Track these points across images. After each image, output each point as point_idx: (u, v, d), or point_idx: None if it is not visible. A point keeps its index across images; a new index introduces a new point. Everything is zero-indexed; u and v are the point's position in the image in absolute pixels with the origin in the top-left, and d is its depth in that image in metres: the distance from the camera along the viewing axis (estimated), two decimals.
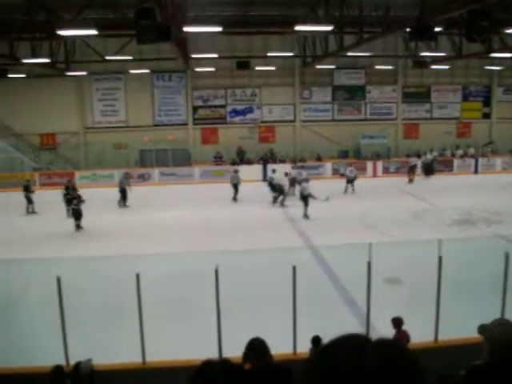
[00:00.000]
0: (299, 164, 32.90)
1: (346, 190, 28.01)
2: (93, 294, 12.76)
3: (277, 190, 24.98)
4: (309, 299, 11.42)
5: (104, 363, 8.83)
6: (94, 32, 17.23)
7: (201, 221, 21.55)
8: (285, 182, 25.49)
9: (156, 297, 11.54)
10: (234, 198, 26.38)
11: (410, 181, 31.39)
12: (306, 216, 21.90)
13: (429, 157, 34.22)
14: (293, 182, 26.50)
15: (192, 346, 9.26)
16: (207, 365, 2.52)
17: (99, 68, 33.28)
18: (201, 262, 14.02)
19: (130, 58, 29.11)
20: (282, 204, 24.57)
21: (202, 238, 18.59)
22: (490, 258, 12.07)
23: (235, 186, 26.58)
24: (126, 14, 20.03)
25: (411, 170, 32.09)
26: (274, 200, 24.88)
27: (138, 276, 9.34)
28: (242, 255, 15.38)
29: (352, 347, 0.97)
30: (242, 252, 15.50)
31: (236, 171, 27.64)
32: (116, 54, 27.34)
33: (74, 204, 20.95)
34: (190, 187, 30.30)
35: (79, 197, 21.22)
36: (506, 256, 10.03)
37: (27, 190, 24.11)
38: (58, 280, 9.21)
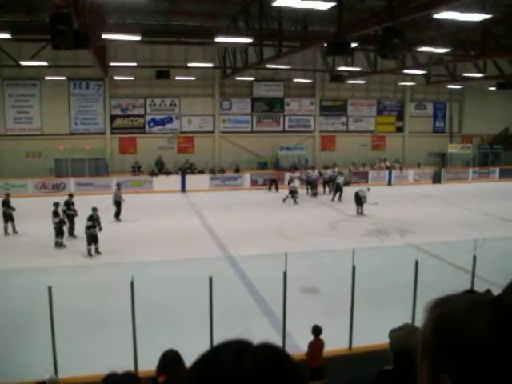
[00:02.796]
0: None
1: (295, 200, 28.43)
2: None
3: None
4: (226, 309, 11.39)
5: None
6: (7, 36, 16.60)
7: (117, 232, 21.08)
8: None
9: (69, 310, 11.17)
10: (117, 217, 23.70)
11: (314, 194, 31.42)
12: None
13: (329, 172, 33.29)
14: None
15: (108, 359, 9.01)
16: (110, 378, 2.44)
17: (13, 73, 32.00)
18: (116, 274, 13.76)
19: (46, 64, 28.19)
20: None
21: (119, 250, 18.20)
22: (402, 266, 12.47)
23: (118, 204, 23.88)
24: (42, 17, 19.38)
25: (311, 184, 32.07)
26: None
27: (49, 289, 9.00)
28: (159, 266, 15.19)
29: (232, 353, 0.96)
30: (160, 263, 15.32)
31: (119, 186, 25.21)
32: (31, 59, 26.36)
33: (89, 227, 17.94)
34: (108, 197, 29.56)
35: (97, 219, 18.33)
36: (416, 264, 10.41)
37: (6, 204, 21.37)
38: None
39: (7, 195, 22.19)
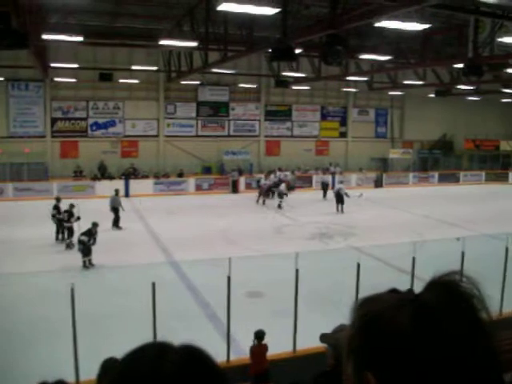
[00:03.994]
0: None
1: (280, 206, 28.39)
2: None
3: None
4: (170, 315, 11.30)
5: None
6: None
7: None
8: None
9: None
10: (116, 224, 22.66)
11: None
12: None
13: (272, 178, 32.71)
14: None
15: (48, 368, 8.76)
16: None
17: None
18: (56, 281, 13.43)
19: None
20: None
21: (58, 256, 17.78)
22: (345, 269, 12.65)
23: (115, 211, 22.83)
24: None
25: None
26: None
27: None
28: (101, 272, 14.93)
29: (152, 355, 0.95)
30: (102, 269, 15.06)
31: (117, 192, 23.94)
32: None
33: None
34: (48, 203, 28.79)
35: (94, 233, 16.98)
36: (358, 266, 10.60)
37: None
38: None
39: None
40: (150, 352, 0.98)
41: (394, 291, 1.13)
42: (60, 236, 20.05)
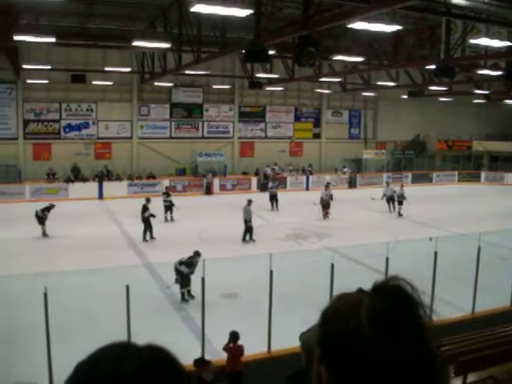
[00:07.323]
0: None
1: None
2: None
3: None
4: (145, 317, 11.23)
5: None
6: None
7: (32, 241, 20.33)
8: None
9: None
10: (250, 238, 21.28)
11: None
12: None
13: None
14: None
15: (21, 373, 8.69)
16: None
17: None
18: (29, 285, 13.23)
19: None
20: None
21: (32, 260, 17.53)
22: (319, 269, 12.70)
23: (246, 222, 21.34)
24: None
25: None
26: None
27: None
28: (75, 276, 14.77)
29: (114, 355, 0.95)
30: (76, 272, 14.89)
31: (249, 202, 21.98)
32: None
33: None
34: (21, 206, 28.39)
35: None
36: (332, 267, 10.66)
37: None
38: None
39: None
40: (111, 352, 0.98)
41: (360, 291, 1.17)
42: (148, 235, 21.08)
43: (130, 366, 0.93)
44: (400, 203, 27.17)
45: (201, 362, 8.48)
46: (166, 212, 24.78)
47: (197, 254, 14.11)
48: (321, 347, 1.09)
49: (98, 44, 25.66)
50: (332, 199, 26.77)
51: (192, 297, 13.70)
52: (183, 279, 13.85)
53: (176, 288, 14.10)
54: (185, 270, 13.73)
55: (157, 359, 0.97)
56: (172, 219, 25.00)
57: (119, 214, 26.33)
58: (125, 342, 1.01)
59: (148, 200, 21.89)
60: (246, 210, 21.44)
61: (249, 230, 21.11)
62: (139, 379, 0.92)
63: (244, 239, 21.00)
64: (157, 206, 22.99)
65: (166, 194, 25.76)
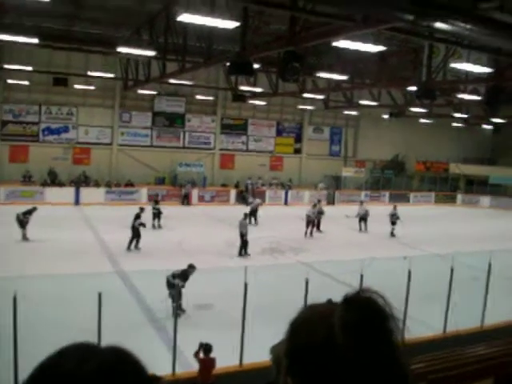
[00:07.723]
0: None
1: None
2: None
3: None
4: (116, 326, 11.08)
5: None
6: None
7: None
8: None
9: None
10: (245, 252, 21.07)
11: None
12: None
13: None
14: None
15: None
16: None
17: None
18: None
19: None
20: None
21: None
22: (294, 284, 12.69)
23: (242, 236, 21.17)
24: None
25: None
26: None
27: None
28: (45, 281, 14.57)
29: (76, 356, 0.95)
30: (46, 278, 14.69)
31: (246, 216, 22.54)
32: None
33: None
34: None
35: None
36: (306, 282, 10.67)
37: None
38: None
39: None
40: (74, 352, 0.97)
41: (329, 302, 1.18)
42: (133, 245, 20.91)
43: (93, 365, 0.92)
44: (393, 223, 27.17)
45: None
46: (153, 219, 25.21)
47: (191, 266, 13.59)
48: (288, 358, 1.10)
49: (82, 48, 25.55)
50: (323, 213, 27.23)
51: (183, 311, 13.13)
52: (175, 293, 12.86)
53: (148, 297, 13.97)
54: (180, 283, 12.94)
55: (119, 360, 0.97)
56: (160, 226, 25.37)
57: (95, 220, 26.10)
58: (87, 342, 1.01)
59: (142, 209, 21.81)
60: (241, 224, 21.37)
61: (244, 244, 21.00)
62: (102, 379, 0.91)
63: (240, 254, 20.89)
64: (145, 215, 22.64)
65: (155, 201, 26.38)
